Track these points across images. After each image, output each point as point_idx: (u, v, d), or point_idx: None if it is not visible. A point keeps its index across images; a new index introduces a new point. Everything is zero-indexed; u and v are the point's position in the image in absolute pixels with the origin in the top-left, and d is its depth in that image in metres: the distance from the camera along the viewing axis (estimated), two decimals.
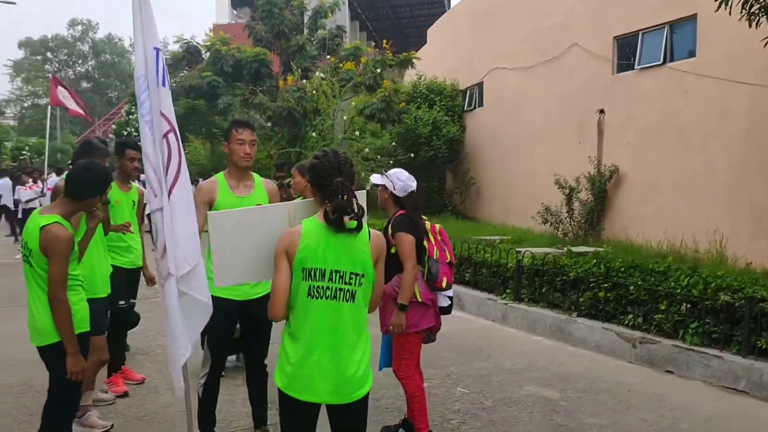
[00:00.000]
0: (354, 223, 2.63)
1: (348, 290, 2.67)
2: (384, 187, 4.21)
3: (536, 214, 13.73)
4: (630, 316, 6.48)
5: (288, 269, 2.65)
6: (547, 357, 6.44)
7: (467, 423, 4.74)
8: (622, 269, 6.80)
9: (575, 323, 6.89)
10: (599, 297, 6.76)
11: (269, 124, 16.24)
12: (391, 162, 15.54)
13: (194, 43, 18.06)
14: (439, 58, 20.89)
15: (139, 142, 3.44)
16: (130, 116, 29.60)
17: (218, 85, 16.31)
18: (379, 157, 15.20)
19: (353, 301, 2.68)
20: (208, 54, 17.39)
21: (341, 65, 16.07)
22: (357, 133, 15.13)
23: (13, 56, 73.57)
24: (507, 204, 16.90)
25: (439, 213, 17.53)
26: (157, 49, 3.19)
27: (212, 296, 3.85)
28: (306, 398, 2.65)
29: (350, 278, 2.66)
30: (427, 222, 4.28)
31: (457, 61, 19.84)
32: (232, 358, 5.80)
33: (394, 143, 17.46)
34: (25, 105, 71.59)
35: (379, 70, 15.47)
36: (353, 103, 15.66)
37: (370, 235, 2.73)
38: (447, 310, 4.40)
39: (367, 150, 14.73)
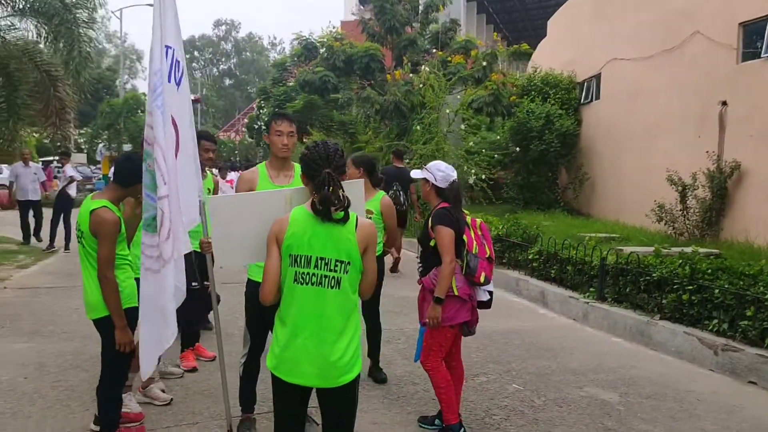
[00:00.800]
0: (340, 214, 2.73)
1: (333, 277, 2.76)
2: (425, 179, 4.26)
3: (650, 212, 13.01)
4: (714, 321, 6.06)
5: (278, 255, 2.79)
6: (620, 359, 6.17)
7: (510, 420, 4.68)
8: (709, 271, 6.35)
9: (656, 326, 6.53)
10: (683, 300, 6.36)
11: (377, 117, 16.55)
12: (495, 156, 15.33)
13: (312, 40, 18.74)
14: (558, 50, 20.24)
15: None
16: (261, 111, 31.14)
17: (330, 79, 16.87)
18: (483, 150, 15.03)
19: (338, 288, 2.77)
20: (323, 50, 18.00)
21: (450, 58, 16.03)
22: (463, 126, 15.06)
23: None
24: (621, 200, 16.12)
25: (549, 209, 17.03)
26: (169, 47, 3.43)
27: (249, 279, 4.11)
28: (292, 380, 2.77)
29: (335, 265, 2.76)
30: (468, 216, 4.28)
31: (575, 52, 19.14)
32: None
33: (502, 137, 17.18)
34: None
35: (485, 63, 15.27)
36: (459, 96, 15.61)
37: (357, 224, 2.81)
38: (486, 305, 4.36)
39: (471, 143, 14.62)
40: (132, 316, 3.91)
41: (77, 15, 11.45)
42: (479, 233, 4.24)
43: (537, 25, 42.94)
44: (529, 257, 9.03)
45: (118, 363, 3.88)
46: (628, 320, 6.89)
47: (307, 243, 2.75)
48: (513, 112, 16.67)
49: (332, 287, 2.76)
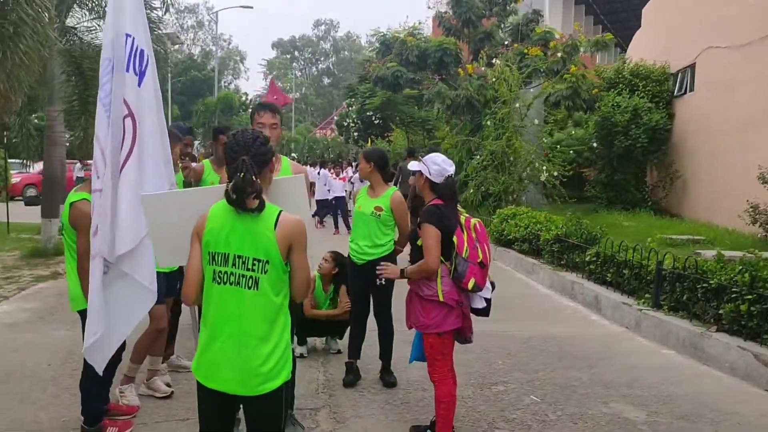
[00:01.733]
0: (255, 203, 2.56)
1: (251, 277, 2.58)
2: (420, 172, 3.99)
3: (743, 213, 11.96)
4: None
5: (199, 252, 2.66)
6: (663, 374, 5.62)
7: None
8: None
9: (710, 338, 5.90)
10: (741, 310, 5.71)
11: (448, 113, 16.19)
12: (572, 152, 14.60)
13: (389, 36, 18.63)
14: (651, 39, 19.08)
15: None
16: (350, 108, 31.45)
17: (402, 75, 16.68)
18: (558, 146, 14.35)
19: (257, 289, 2.59)
20: (396, 45, 17.83)
21: (526, 50, 15.43)
22: (536, 121, 14.45)
23: (267, 56, 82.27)
24: (713, 200, 14.94)
25: (635, 208, 16.07)
26: (128, 35, 3.36)
27: None
28: (211, 385, 2.63)
29: (253, 264, 2.58)
30: (463, 215, 3.97)
31: (669, 41, 17.94)
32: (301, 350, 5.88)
33: (585, 133, 16.37)
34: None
35: (560, 54, 14.56)
36: (532, 90, 14.98)
37: (278, 220, 2.62)
38: (483, 312, 4.06)
39: (545, 140, 14.01)
40: None
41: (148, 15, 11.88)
42: (473, 235, 3.91)
43: (640, 15, 40.80)
44: (586, 259, 8.47)
45: None
46: (682, 331, 6.27)
47: (224, 239, 2.60)
48: (596, 106, 15.83)
49: (250, 288, 2.59)
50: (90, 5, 13.23)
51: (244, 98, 53.96)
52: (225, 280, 2.59)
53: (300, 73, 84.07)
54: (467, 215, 3.98)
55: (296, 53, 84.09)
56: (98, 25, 13.42)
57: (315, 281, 5.89)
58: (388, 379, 5.17)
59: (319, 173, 16.51)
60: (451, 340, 4.01)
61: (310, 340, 6.06)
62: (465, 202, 14.76)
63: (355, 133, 29.43)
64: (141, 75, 3.46)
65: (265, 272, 2.59)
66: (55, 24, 11.43)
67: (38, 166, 27.66)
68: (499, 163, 14.09)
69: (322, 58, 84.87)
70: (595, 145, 15.61)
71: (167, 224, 2.96)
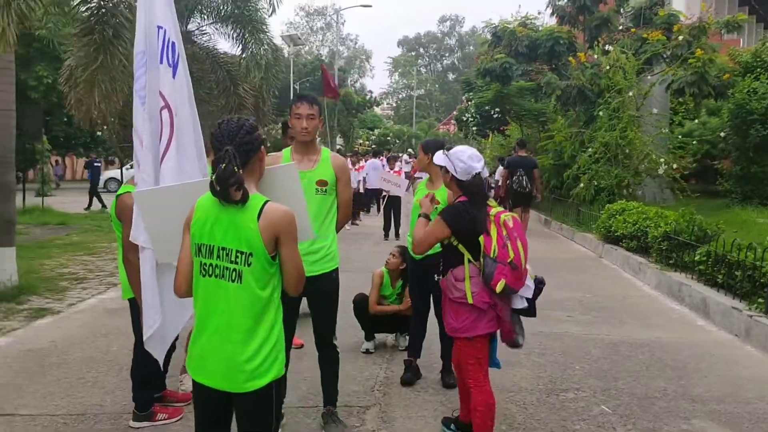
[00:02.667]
0: (239, 194, 2.46)
1: (234, 269, 2.50)
2: (445, 168, 3.74)
3: None
4: None
5: (189, 244, 2.61)
6: (766, 389, 4.97)
7: None
8: None
9: None
10: None
11: (558, 104, 15.45)
12: (694, 142, 13.43)
13: (499, 27, 18.09)
14: None
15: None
16: (469, 103, 31.06)
17: (510, 66, 16.12)
18: (682, 137, 13.25)
19: (240, 282, 2.50)
20: (505, 36, 17.28)
21: (646, 35, 14.39)
22: (654, 110, 13.43)
23: (393, 54, 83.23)
24: None
25: None
26: (160, 27, 3.38)
27: None
28: (199, 379, 2.57)
29: (236, 256, 2.49)
30: (492, 210, 3.60)
31: None
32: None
33: (718, 122, 15.02)
34: (400, 96, 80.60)
35: (681, 38, 13.41)
36: (649, 77, 13.93)
37: (262, 211, 2.50)
38: (528, 313, 3.70)
39: (664, 131, 13.00)
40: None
41: (251, 16, 12.32)
42: (504, 233, 3.53)
43: None
44: (696, 259, 7.71)
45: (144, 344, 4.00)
46: None
47: (209, 231, 2.53)
48: (728, 93, 14.47)
49: (233, 281, 2.50)
50: (209, 10, 13.93)
51: (368, 96, 54.93)
52: (210, 273, 2.53)
53: (425, 70, 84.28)
54: (499, 209, 3.62)
55: (421, 50, 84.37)
56: (215, 29, 14.11)
57: (383, 276, 5.77)
58: (447, 380, 4.94)
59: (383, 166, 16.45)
60: (486, 345, 3.71)
61: (380, 336, 5.95)
62: (577, 198, 14.05)
63: (474, 128, 29.01)
64: (174, 67, 3.48)
65: (249, 264, 2.49)
66: None
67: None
68: (613, 155, 13.25)
69: (447, 54, 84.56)
70: (723, 134, 14.25)
71: (163, 219, 2.92)
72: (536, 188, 12.57)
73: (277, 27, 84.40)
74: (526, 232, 13.68)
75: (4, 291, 7.21)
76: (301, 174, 3.85)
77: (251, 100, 12.24)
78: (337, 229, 4.11)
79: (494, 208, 3.63)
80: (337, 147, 32.85)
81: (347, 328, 6.10)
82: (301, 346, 5.79)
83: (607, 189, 13.25)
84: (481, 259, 3.52)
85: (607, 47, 14.56)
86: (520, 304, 3.62)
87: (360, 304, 5.74)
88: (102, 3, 7.64)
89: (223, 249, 2.50)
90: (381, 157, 17.41)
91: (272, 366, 2.55)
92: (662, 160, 12.54)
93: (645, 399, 4.74)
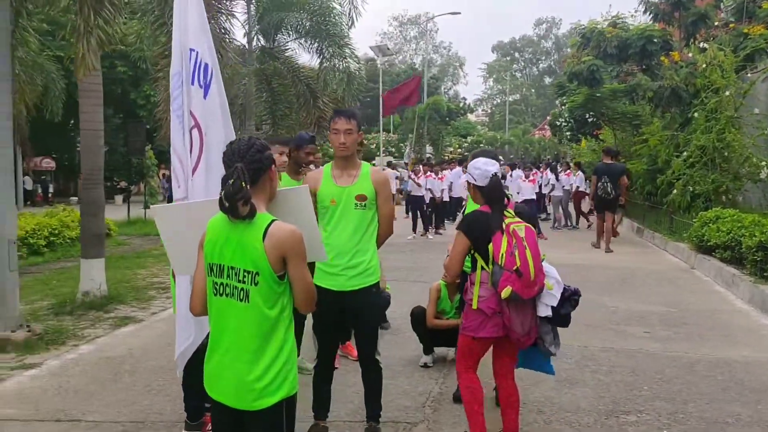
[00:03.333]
0: (245, 210, 2.50)
1: (242, 289, 2.54)
2: (467, 183, 3.93)
3: None
4: None
5: (203, 264, 2.68)
6: None
7: None
8: None
9: None
10: None
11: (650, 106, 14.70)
12: None
13: (587, 28, 17.49)
14: None
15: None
16: (563, 107, 30.24)
17: (597, 68, 15.53)
18: None
19: (248, 302, 2.53)
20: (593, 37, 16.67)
21: (747, 30, 13.48)
22: (756, 110, 12.51)
23: (487, 60, 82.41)
24: None
25: None
26: (192, 50, 3.50)
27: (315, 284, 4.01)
28: (213, 395, 2.64)
29: (243, 276, 2.53)
30: (507, 220, 3.69)
31: None
32: None
33: None
34: (495, 102, 79.62)
35: None
36: (749, 75, 13.00)
37: (268, 230, 2.52)
38: (558, 321, 3.77)
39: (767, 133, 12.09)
40: None
41: (329, 30, 12.58)
42: (513, 241, 3.62)
43: None
44: None
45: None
46: None
47: (219, 251, 2.59)
48: None
49: (242, 300, 2.54)
50: (292, 27, 14.36)
51: (461, 103, 54.63)
52: (222, 292, 2.59)
53: (520, 75, 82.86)
54: (514, 220, 3.73)
55: (516, 54, 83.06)
56: (301, 44, 14.51)
57: (440, 290, 5.70)
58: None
59: (511, 175, 16.16)
60: (484, 347, 3.87)
61: (441, 350, 5.87)
62: (671, 205, 13.34)
63: (567, 133, 28.19)
64: (206, 87, 3.60)
65: (256, 284, 2.52)
66: (255, 44, 12.59)
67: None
68: (710, 159, 12.47)
69: (543, 57, 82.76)
70: None
71: (179, 235, 3.00)
72: (622, 194, 13.09)
73: (371, 38, 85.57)
74: (617, 239, 13.58)
75: (94, 300, 7.69)
76: (341, 189, 3.92)
77: (331, 113, 12.48)
78: (378, 244, 4.10)
79: (509, 218, 3.71)
80: (427, 155, 32.80)
81: (409, 341, 6.09)
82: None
83: (704, 195, 12.48)
84: (490, 266, 3.65)
85: (703, 45, 13.73)
86: (544, 312, 3.69)
87: (418, 317, 5.69)
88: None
89: (232, 268, 2.55)
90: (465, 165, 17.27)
91: (282, 385, 2.57)
92: (764, 163, 11.66)
93: (714, 424, 4.41)
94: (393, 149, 36.94)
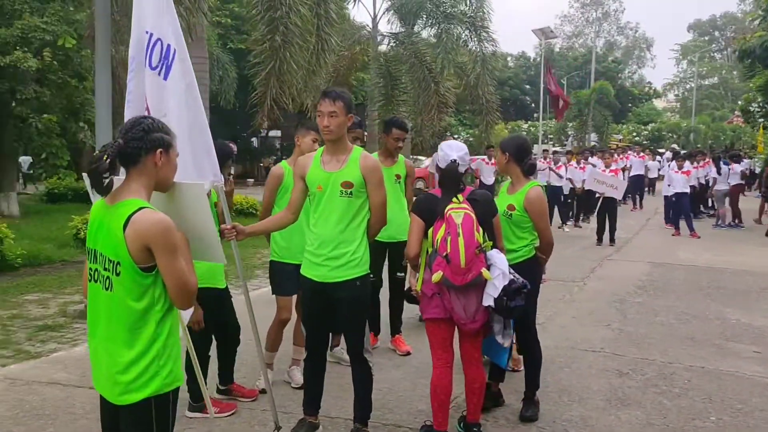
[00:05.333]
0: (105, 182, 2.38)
1: (107, 277, 2.41)
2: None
3: None
4: None
5: None
6: None
7: None
8: None
9: None
10: None
11: None
12: None
13: None
14: None
15: None
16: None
17: None
18: None
19: (111, 291, 2.41)
20: None
21: None
22: None
23: (681, 40, 75.60)
24: None
25: None
26: (148, 32, 3.43)
27: (300, 274, 3.86)
28: (95, 386, 2.56)
29: (108, 264, 2.40)
30: (454, 204, 3.64)
31: None
32: None
33: None
34: (688, 87, 72.88)
35: None
36: None
37: (130, 218, 2.34)
38: (504, 312, 3.66)
39: None
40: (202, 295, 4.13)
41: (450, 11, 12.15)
42: (447, 226, 3.59)
43: None
44: None
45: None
46: None
47: (93, 234, 2.48)
48: None
49: (107, 288, 2.42)
50: (428, 14, 14.09)
51: (647, 88, 50.73)
52: (94, 278, 2.48)
53: (719, 56, 74.97)
54: (457, 206, 3.64)
55: (716, 33, 75.20)
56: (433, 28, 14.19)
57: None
58: (524, 412, 4.30)
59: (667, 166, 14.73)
60: (439, 330, 3.79)
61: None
62: None
63: (761, 119, 25.41)
64: (167, 69, 3.49)
65: (117, 274, 2.38)
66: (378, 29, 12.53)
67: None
68: None
69: (747, 36, 74.18)
70: None
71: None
72: None
73: (549, 20, 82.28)
74: None
75: None
76: (327, 175, 3.71)
77: (454, 99, 12.14)
78: (370, 235, 3.83)
79: (454, 204, 3.65)
80: (592, 143, 30.87)
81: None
82: (408, 353, 5.58)
83: None
84: (430, 249, 3.70)
85: None
86: (486, 301, 3.62)
87: None
88: (271, 15, 8.19)
89: (101, 255, 2.44)
90: (598, 155, 15.85)
91: (151, 381, 2.41)
92: None
93: None
94: (552, 137, 35.15)
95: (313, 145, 4.66)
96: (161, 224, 2.36)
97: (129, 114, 3.50)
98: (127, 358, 2.40)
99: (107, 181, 2.39)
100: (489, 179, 14.87)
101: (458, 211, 3.61)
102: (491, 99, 14.32)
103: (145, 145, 2.45)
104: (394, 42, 12.83)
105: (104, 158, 2.38)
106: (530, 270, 4.16)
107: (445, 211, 3.61)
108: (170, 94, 3.48)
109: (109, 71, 7.02)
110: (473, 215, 3.59)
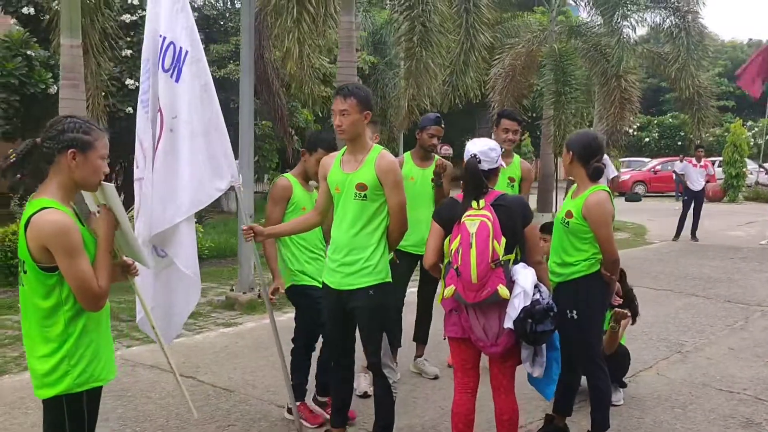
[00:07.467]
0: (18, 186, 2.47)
1: (21, 273, 2.49)
2: None
3: None
4: None
5: None
6: None
7: None
8: None
9: None
10: None
11: None
12: None
13: None
14: None
15: None
16: None
17: None
18: None
19: (24, 287, 2.47)
20: None
21: None
22: None
23: None
24: None
25: None
26: (162, 36, 3.46)
27: (323, 279, 3.70)
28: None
29: (19, 261, 2.48)
30: (474, 210, 3.18)
31: None
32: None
33: None
34: None
35: None
36: None
37: (31, 218, 2.36)
38: (528, 338, 3.13)
39: None
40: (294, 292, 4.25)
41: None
42: (460, 236, 3.17)
43: None
44: None
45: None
46: None
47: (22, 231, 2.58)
48: None
49: (22, 285, 2.50)
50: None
51: None
52: (19, 272, 2.56)
53: None
54: (476, 212, 3.17)
55: None
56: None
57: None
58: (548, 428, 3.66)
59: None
60: (460, 350, 3.39)
61: None
62: None
63: None
64: (179, 71, 3.51)
65: (25, 272, 2.44)
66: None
67: (651, 163, 27.85)
68: None
69: None
70: None
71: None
72: None
73: None
74: None
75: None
76: (344, 176, 3.53)
77: (638, 94, 10.88)
78: (392, 242, 3.55)
79: (473, 210, 3.19)
80: None
81: None
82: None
83: None
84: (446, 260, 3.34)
85: None
86: (506, 323, 3.14)
87: None
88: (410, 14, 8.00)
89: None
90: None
91: (61, 380, 2.43)
92: None
93: None
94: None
95: (315, 165, 4.11)
96: (56, 225, 2.34)
97: (141, 114, 3.63)
98: (40, 353, 2.45)
99: (18, 177, 2.45)
100: (697, 185, 12.84)
101: (474, 218, 3.17)
102: (703, 93, 12.64)
103: (57, 144, 2.43)
104: (574, 35, 11.79)
105: (10, 155, 2.43)
106: (588, 289, 3.58)
107: (463, 218, 3.20)
108: (181, 96, 3.52)
109: (252, 79, 7.50)
110: (491, 223, 3.11)
